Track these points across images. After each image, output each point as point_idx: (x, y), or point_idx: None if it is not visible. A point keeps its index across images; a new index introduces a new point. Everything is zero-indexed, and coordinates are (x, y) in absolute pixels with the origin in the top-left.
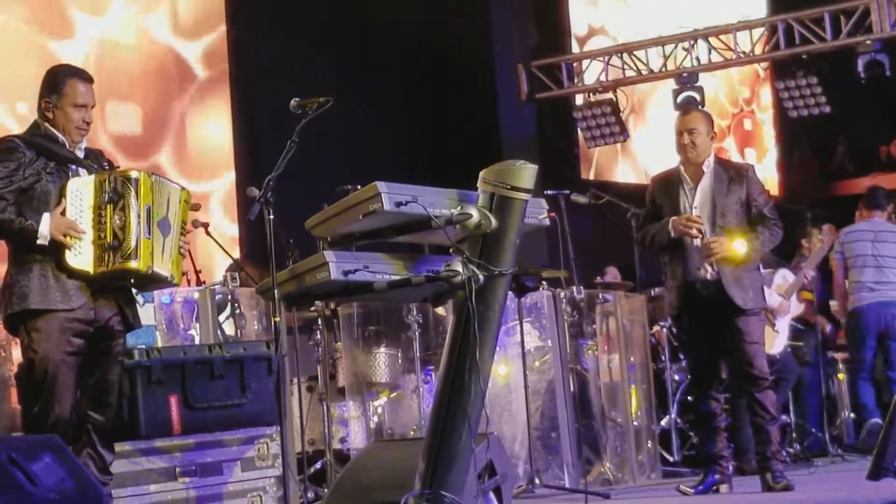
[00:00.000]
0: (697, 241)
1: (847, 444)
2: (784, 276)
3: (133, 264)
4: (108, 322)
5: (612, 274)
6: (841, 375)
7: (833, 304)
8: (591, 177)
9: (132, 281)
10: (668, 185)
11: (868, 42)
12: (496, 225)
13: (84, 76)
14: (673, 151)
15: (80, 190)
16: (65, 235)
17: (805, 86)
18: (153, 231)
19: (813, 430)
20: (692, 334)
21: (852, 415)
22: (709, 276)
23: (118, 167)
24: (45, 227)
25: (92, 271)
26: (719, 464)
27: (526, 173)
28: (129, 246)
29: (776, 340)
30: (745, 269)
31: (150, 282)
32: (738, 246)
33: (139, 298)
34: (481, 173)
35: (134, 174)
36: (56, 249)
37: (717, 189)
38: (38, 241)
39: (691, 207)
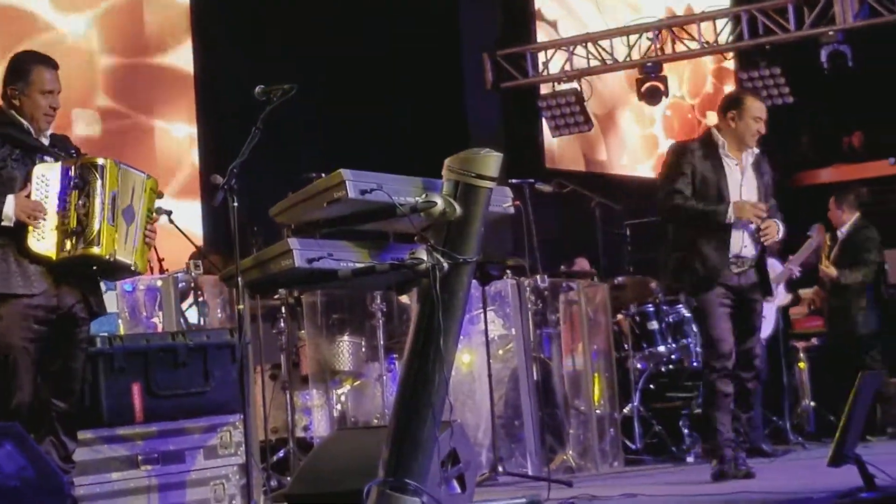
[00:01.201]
0: (754, 225)
1: (808, 432)
2: (772, 266)
3: (95, 250)
4: (72, 309)
5: (581, 264)
6: (802, 364)
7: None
8: (556, 166)
9: (95, 268)
10: (710, 157)
11: (831, 33)
12: (461, 213)
13: (50, 63)
14: (634, 143)
15: (46, 175)
16: (29, 217)
17: (768, 76)
18: (117, 218)
19: (773, 418)
20: (719, 311)
21: (812, 403)
22: (750, 257)
23: (85, 154)
24: (10, 209)
25: (54, 256)
26: (732, 447)
27: (491, 161)
28: (92, 232)
29: (765, 327)
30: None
31: (113, 269)
32: (781, 231)
33: (101, 286)
34: (446, 161)
35: (100, 161)
36: (19, 233)
37: (756, 172)
38: (3, 223)
39: (740, 186)
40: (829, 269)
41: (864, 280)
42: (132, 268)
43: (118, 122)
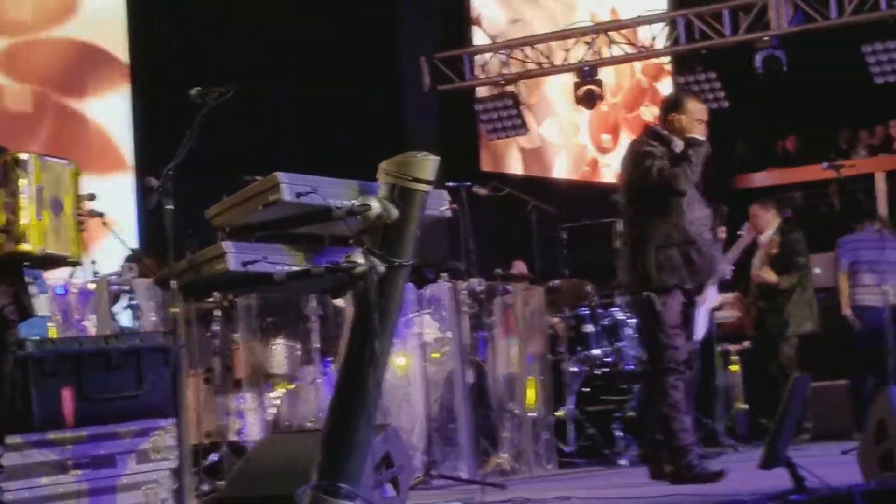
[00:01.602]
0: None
1: (740, 434)
2: None
3: (25, 247)
4: (2, 311)
5: (519, 268)
6: (734, 367)
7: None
8: (492, 169)
9: (27, 263)
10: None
11: (766, 38)
12: (397, 216)
13: None
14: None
15: None
16: None
17: (704, 80)
18: (45, 212)
19: (706, 421)
20: (691, 309)
21: (745, 406)
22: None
23: (7, 149)
24: None
25: None
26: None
27: (427, 165)
28: (20, 229)
29: (698, 329)
30: None
31: (47, 263)
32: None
33: (33, 289)
34: (382, 164)
35: (23, 156)
36: None
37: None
38: None
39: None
40: (768, 275)
41: (796, 284)
42: (67, 258)
43: (53, 116)
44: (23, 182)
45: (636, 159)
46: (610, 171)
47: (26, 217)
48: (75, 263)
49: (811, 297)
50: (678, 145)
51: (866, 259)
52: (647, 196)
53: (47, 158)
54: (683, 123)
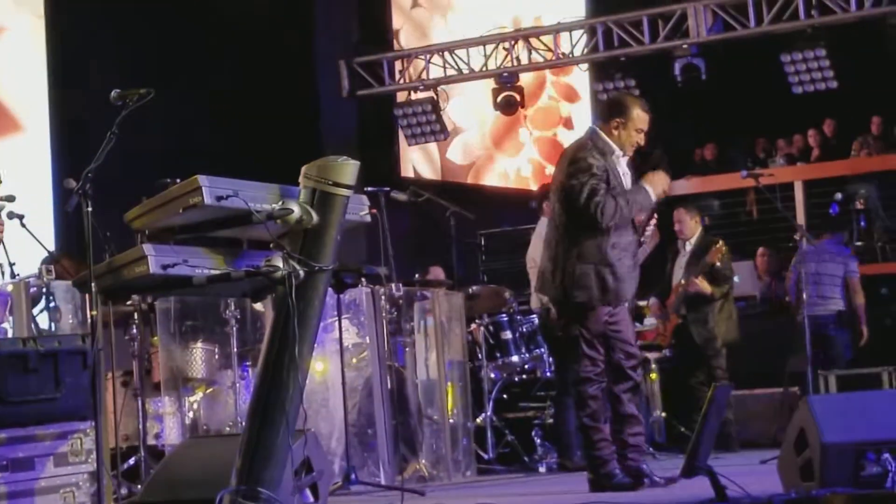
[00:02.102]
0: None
1: (659, 442)
2: None
3: None
4: None
5: (436, 273)
6: (653, 375)
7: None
8: (411, 175)
9: None
10: (606, 160)
11: (685, 46)
12: (317, 220)
13: None
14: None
15: None
16: None
17: (623, 87)
18: None
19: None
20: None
21: (663, 414)
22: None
23: None
24: None
25: None
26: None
27: (348, 169)
28: None
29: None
30: None
31: None
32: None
33: None
34: (303, 168)
35: None
36: None
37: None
38: None
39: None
40: (703, 285)
41: (725, 294)
42: None
43: None
44: None
45: (573, 166)
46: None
47: None
48: None
49: (733, 306)
50: (618, 156)
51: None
52: (576, 207)
53: None
54: (622, 132)
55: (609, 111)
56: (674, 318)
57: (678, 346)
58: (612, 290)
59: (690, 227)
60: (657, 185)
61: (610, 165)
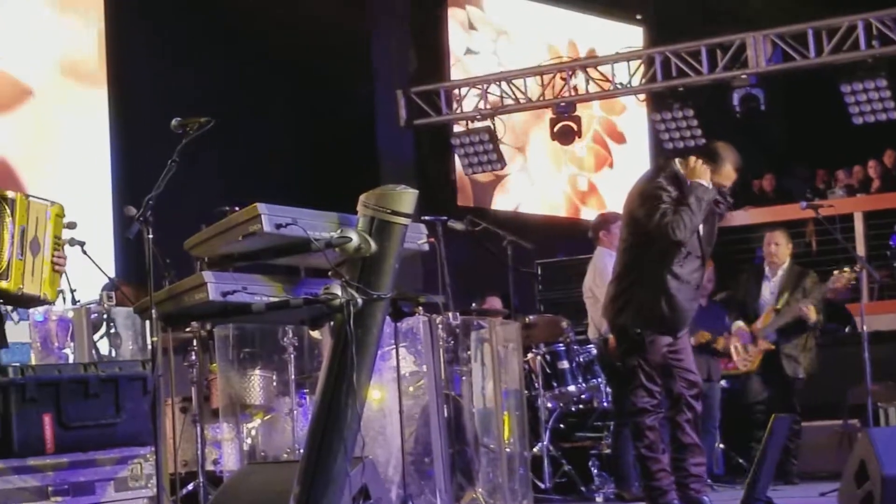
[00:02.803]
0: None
1: (717, 474)
2: None
3: (3, 284)
4: None
5: (493, 303)
6: None
7: None
8: (469, 204)
9: (1, 300)
10: (678, 191)
11: (743, 76)
12: (375, 249)
13: None
14: (549, 182)
15: None
16: None
17: (681, 118)
18: (25, 252)
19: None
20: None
21: (722, 445)
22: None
23: None
24: None
25: None
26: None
27: (406, 198)
28: (2, 266)
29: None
30: None
31: (21, 301)
32: None
33: (14, 316)
34: (361, 197)
35: (10, 194)
36: None
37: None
38: None
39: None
40: (811, 312)
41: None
42: (41, 298)
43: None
44: (7, 221)
45: (644, 195)
46: (586, 209)
47: (7, 256)
48: (47, 303)
49: (813, 339)
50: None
51: None
52: (644, 236)
53: (33, 198)
54: (706, 174)
55: (704, 152)
56: (763, 344)
57: (763, 374)
58: (667, 320)
59: (784, 253)
60: (699, 174)
61: (683, 196)
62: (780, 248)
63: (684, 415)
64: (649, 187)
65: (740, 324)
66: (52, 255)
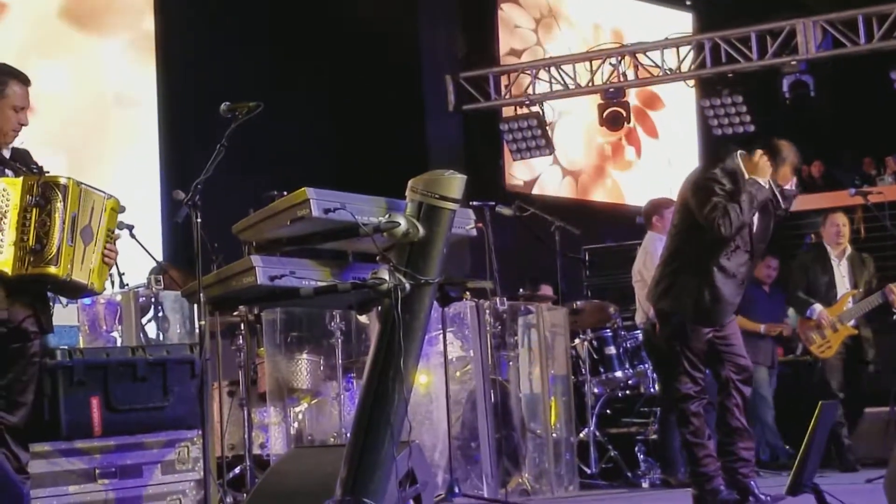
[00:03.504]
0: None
1: (762, 460)
2: None
3: (52, 270)
4: (22, 323)
5: (545, 291)
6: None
7: None
8: (517, 189)
9: (50, 286)
10: (734, 185)
11: (793, 63)
12: (423, 234)
13: (23, 78)
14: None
15: (7, 190)
16: None
17: (730, 104)
18: (76, 239)
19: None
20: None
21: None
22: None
23: (47, 171)
24: None
25: (10, 272)
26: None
27: (455, 183)
28: (51, 252)
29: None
30: None
31: (69, 289)
32: None
33: (62, 299)
34: (410, 182)
35: (63, 180)
36: None
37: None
38: None
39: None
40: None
41: None
42: (88, 287)
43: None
44: (58, 206)
45: (698, 185)
46: (633, 193)
47: (58, 241)
48: (95, 293)
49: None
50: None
51: None
52: (694, 224)
53: (86, 186)
54: (760, 171)
55: (768, 148)
56: (844, 330)
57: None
58: (709, 311)
59: (848, 234)
60: (762, 171)
61: (738, 190)
62: (846, 229)
63: (733, 399)
64: (703, 178)
65: (820, 307)
66: (104, 248)
